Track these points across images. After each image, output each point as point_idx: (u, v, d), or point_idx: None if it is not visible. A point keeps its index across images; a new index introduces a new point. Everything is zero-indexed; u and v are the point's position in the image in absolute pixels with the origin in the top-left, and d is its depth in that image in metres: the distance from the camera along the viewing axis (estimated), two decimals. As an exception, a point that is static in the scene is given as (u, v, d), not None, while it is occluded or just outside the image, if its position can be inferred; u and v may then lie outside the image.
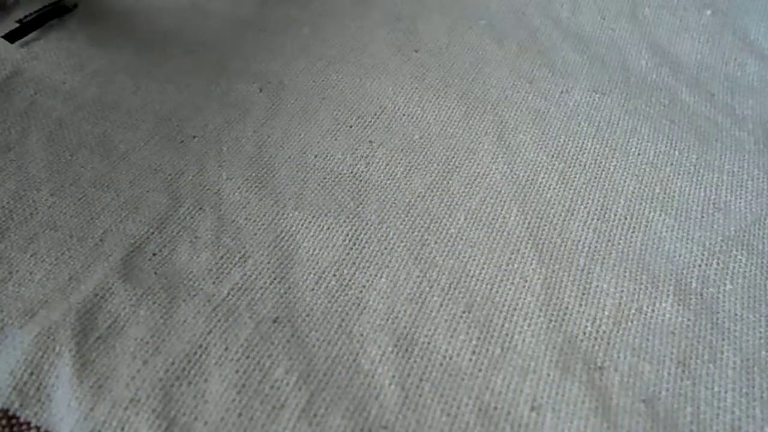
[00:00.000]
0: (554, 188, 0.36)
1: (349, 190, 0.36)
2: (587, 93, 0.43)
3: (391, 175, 0.37)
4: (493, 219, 0.35)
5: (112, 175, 0.36)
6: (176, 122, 0.40)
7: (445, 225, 0.34)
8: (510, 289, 0.31)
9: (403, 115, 0.41)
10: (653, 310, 0.30)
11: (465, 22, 0.50)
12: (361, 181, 0.36)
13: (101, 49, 0.46)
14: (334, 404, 0.27)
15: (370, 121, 0.40)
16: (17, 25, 0.46)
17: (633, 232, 0.34)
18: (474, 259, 0.32)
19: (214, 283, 0.31)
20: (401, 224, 0.34)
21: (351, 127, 0.40)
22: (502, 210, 0.35)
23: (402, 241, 0.33)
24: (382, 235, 0.33)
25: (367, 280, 0.31)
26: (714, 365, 0.29)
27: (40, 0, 0.49)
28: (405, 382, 0.27)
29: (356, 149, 0.38)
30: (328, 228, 0.34)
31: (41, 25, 0.47)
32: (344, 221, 0.34)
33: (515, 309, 0.30)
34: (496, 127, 0.40)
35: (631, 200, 0.36)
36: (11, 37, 0.45)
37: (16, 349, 0.28)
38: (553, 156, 0.38)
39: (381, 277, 0.32)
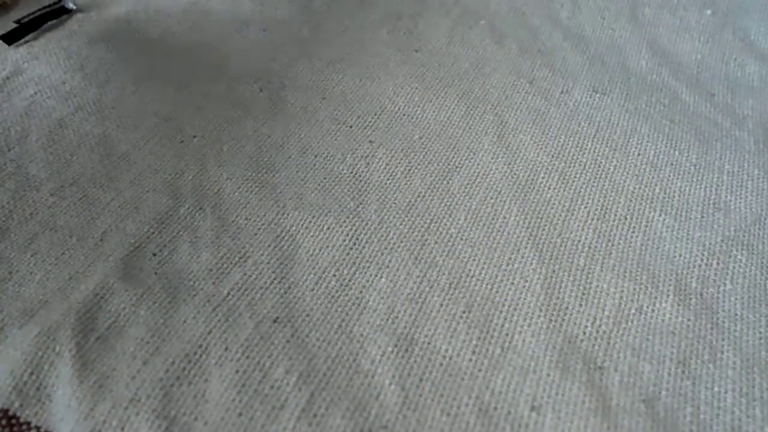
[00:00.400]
0: (554, 188, 0.36)
1: (349, 190, 0.36)
2: (587, 93, 0.43)
3: (391, 175, 0.37)
4: (493, 219, 0.35)
5: (112, 175, 0.36)
6: (176, 122, 0.40)
7: (445, 225, 0.34)
8: (510, 289, 0.31)
9: (404, 115, 0.41)
10: (653, 310, 0.30)
11: (465, 22, 0.50)
12: (361, 181, 0.36)
13: (101, 49, 0.45)
14: (334, 404, 0.27)
15: (371, 121, 0.40)
16: (15, 25, 0.46)
17: (633, 232, 0.34)
18: (474, 259, 0.32)
19: (214, 283, 0.31)
20: (401, 224, 0.34)
21: (351, 127, 0.40)
22: (502, 210, 0.35)
23: (402, 241, 0.33)
24: (382, 235, 0.33)
25: (367, 280, 0.31)
26: (714, 365, 0.29)
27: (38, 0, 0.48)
28: (405, 382, 0.27)
29: (356, 149, 0.38)
30: (328, 228, 0.34)
31: (40, 26, 0.46)
32: (344, 221, 0.34)
33: (515, 309, 0.30)
34: (496, 127, 0.40)
35: (631, 200, 0.36)
36: (9, 38, 0.45)
37: (16, 349, 0.28)
38: (553, 156, 0.38)
39: (381, 277, 0.32)
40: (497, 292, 0.31)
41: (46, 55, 0.45)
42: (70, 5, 0.49)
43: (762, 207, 0.36)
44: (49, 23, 0.47)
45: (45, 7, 0.48)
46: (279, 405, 0.26)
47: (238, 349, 0.28)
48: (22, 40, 0.46)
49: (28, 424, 0.26)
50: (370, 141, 0.39)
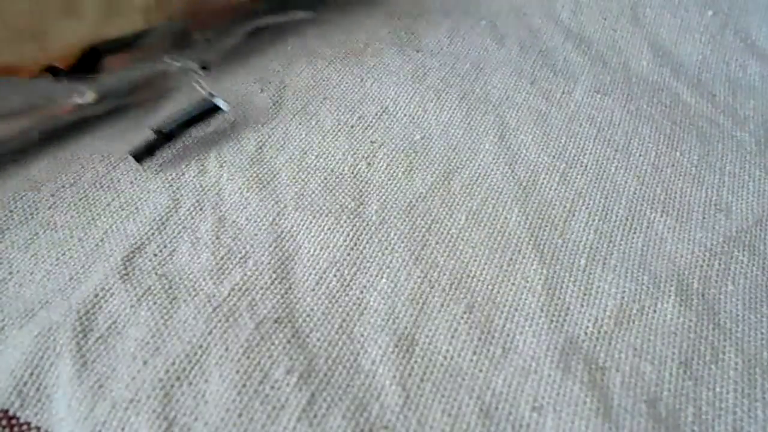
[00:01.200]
0: (555, 189, 0.36)
1: (350, 191, 0.36)
2: (589, 94, 0.43)
3: (392, 176, 0.37)
4: (494, 219, 0.34)
5: (112, 175, 0.36)
6: (177, 122, 0.40)
7: (446, 225, 0.34)
8: (511, 290, 0.31)
9: (405, 115, 0.41)
10: (655, 311, 0.30)
11: (466, 22, 0.50)
12: (362, 181, 0.36)
13: (102, 49, 0.45)
14: (334, 404, 0.27)
15: (372, 122, 0.40)
16: (152, 135, 0.35)
17: (634, 232, 0.34)
18: (475, 260, 0.32)
19: (214, 283, 0.31)
20: (402, 225, 0.34)
21: (352, 127, 0.40)
22: (503, 210, 0.35)
23: (403, 242, 0.33)
24: (383, 236, 0.33)
25: (368, 281, 0.31)
26: (716, 366, 0.28)
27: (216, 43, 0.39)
28: (406, 382, 0.27)
29: (357, 149, 0.38)
30: (329, 228, 0.34)
31: (183, 133, 0.35)
32: (345, 222, 0.34)
33: (516, 309, 0.30)
34: (498, 128, 0.40)
35: (632, 201, 0.36)
36: (141, 155, 0.35)
37: (16, 350, 0.28)
38: (554, 156, 0.38)
39: (382, 277, 0.31)
40: (498, 292, 0.31)
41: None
42: (222, 104, 0.38)
43: (764, 208, 0.36)
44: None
45: (192, 109, 0.36)
46: (279, 405, 0.26)
47: (239, 350, 0.28)
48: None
49: (28, 424, 0.26)
50: (371, 141, 0.39)
